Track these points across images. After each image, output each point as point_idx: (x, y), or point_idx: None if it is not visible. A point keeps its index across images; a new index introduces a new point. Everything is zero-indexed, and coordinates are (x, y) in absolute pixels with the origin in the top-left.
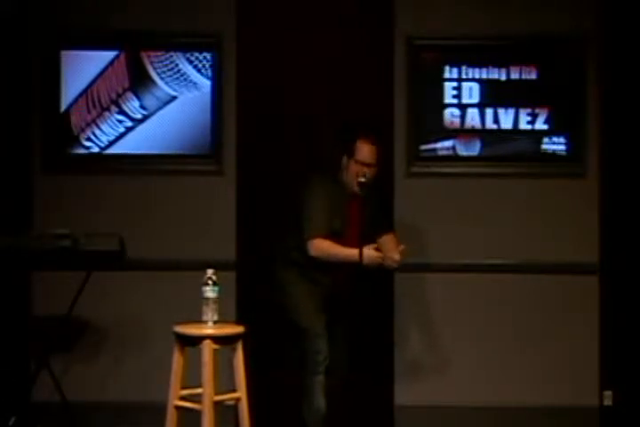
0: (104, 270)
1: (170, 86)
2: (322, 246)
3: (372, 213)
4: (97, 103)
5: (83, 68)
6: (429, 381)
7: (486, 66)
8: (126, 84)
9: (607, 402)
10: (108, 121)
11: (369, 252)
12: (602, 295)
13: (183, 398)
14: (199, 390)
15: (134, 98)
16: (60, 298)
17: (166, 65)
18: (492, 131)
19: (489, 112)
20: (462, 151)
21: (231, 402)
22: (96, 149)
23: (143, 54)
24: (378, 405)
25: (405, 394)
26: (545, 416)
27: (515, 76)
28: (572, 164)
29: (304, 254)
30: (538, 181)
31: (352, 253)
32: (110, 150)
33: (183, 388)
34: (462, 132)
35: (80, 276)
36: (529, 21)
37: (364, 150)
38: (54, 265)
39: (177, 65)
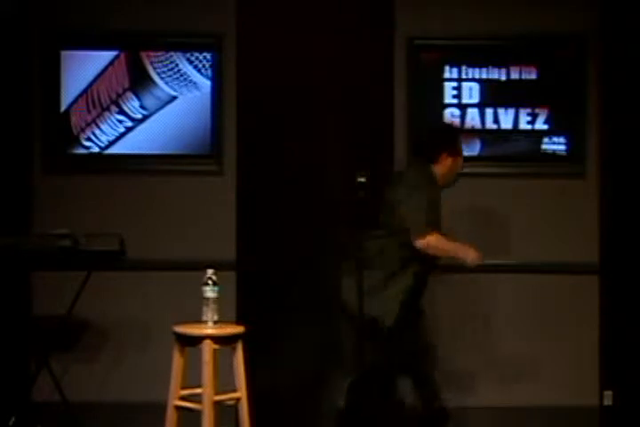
0: (104, 270)
1: (170, 86)
2: (434, 242)
3: None
4: (97, 103)
5: (83, 68)
6: None
7: (486, 66)
8: (126, 84)
9: (607, 402)
10: (108, 121)
11: (473, 253)
12: (602, 295)
13: (183, 398)
14: (199, 390)
15: (134, 98)
16: (60, 298)
17: (166, 65)
18: (492, 131)
19: (489, 112)
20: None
21: (231, 402)
22: (96, 149)
23: (143, 54)
24: (379, 404)
25: (407, 394)
26: (545, 416)
27: (515, 76)
28: (572, 164)
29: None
30: (538, 181)
31: (458, 250)
32: (110, 150)
33: (183, 388)
34: (462, 133)
35: (80, 276)
36: (529, 21)
37: (462, 145)
38: (54, 265)
39: (177, 65)
